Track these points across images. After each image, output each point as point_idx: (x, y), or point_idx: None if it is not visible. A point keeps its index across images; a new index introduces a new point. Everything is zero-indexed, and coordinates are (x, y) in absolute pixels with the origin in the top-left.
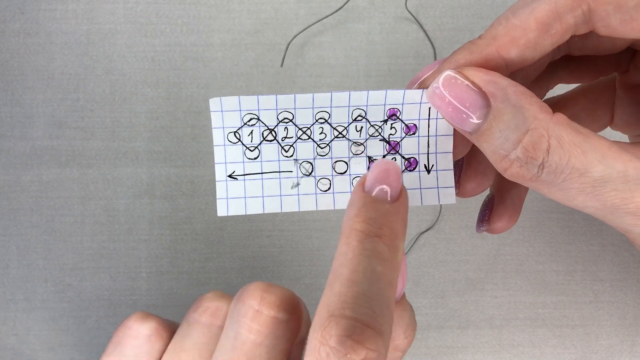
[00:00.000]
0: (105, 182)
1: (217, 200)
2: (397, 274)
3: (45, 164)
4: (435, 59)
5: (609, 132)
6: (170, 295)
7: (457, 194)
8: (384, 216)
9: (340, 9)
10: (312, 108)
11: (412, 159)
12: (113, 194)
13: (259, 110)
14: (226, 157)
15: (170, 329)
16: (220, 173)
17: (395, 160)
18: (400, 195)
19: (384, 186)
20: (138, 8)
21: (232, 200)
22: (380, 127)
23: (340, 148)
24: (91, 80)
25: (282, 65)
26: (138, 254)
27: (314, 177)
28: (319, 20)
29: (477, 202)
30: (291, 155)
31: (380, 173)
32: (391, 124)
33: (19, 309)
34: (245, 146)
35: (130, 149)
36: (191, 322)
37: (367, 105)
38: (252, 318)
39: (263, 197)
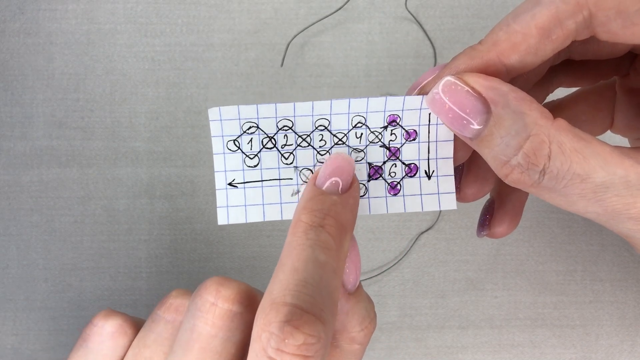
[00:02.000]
0: (105, 182)
1: (217, 209)
2: (343, 263)
3: (45, 164)
4: (435, 59)
5: (608, 136)
6: None
7: (457, 199)
8: (329, 207)
9: (340, 9)
10: (312, 115)
11: (412, 165)
12: (113, 194)
13: (258, 118)
14: (226, 165)
15: (136, 326)
16: (220, 181)
17: (396, 166)
18: (351, 186)
19: (336, 178)
20: (138, 8)
21: (232, 209)
22: (380, 133)
23: None
24: (91, 80)
25: (282, 65)
26: (138, 254)
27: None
28: (319, 20)
29: (477, 202)
30: (291, 163)
31: (332, 167)
32: (391, 130)
33: (19, 309)
34: (245, 154)
35: (130, 149)
36: (155, 319)
37: (366, 112)
38: (207, 311)
39: (263, 205)
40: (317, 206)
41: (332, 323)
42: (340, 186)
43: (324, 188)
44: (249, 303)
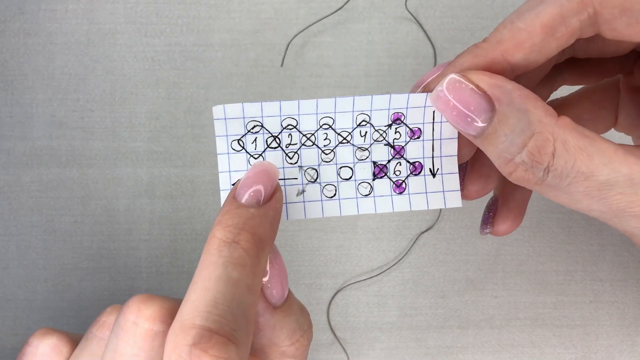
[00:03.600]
0: (105, 182)
1: None
2: (259, 278)
3: (45, 164)
4: (435, 59)
5: (611, 134)
6: (170, 295)
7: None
8: (245, 221)
9: (340, 9)
10: (316, 114)
11: (417, 163)
12: (113, 194)
13: (262, 117)
14: (230, 165)
15: (73, 343)
16: (224, 182)
17: (401, 165)
18: (272, 197)
19: (257, 187)
20: (138, 8)
21: None
22: (384, 131)
23: (344, 154)
24: (91, 80)
25: (282, 65)
26: (138, 254)
27: (319, 183)
28: (319, 20)
29: (478, 202)
30: (295, 162)
31: (253, 176)
32: (395, 129)
33: (19, 309)
34: (249, 154)
35: (130, 149)
36: (89, 337)
37: (371, 110)
38: (128, 330)
39: None
40: (233, 221)
41: (247, 343)
42: (262, 196)
43: (243, 201)
44: (172, 321)
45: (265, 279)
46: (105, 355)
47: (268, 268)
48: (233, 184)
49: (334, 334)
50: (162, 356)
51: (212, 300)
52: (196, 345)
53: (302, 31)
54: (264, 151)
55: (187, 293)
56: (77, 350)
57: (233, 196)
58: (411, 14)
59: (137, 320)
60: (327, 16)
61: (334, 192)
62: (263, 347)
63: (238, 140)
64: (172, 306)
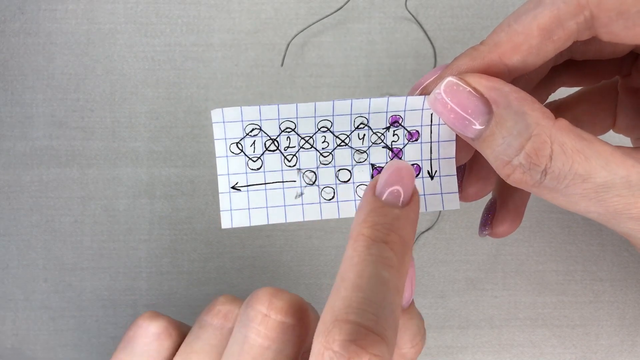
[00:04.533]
0: (105, 182)
1: (221, 213)
2: (404, 280)
3: (45, 164)
4: (435, 59)
5: (610, 135)
6: (170, 295)
7: (459, 199)
8: (392, 222)
9: (340, 9)
10: (314, 117)
11: (415, 165)
12: (113, 194)
13: (261, 120)
14: (229, 168)
15: (180, 329)
16: (223, 185)
17: None
18: (412, 199)
19: (396, 188)
20: (138, 8)
21: (235, 212)
22: (382, 134)
23: (343, 156)
24: (91, 80)
25: (282, 65)
26: (138, 254)
27: (318, 186)
28: (319, 20)
29: (478, 202)
30: (294, 165)
31: (392, 175)
32: (394, 131)
33: (19, 309)
34: (248, 157)
35: (130, 149)
36: (203, 325)
37: (369, 113)
38: (260, 322)
39: (267, 207)
40: (379, 220)
41: (394, 343)
42: (402, 197)
43: (383, 198)
44: (301, 316)
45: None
46: (232, 347)
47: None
48: (232, 187)
49: None
50: (291, 349)
51: (365, 298)
52: (353, 341)
53: (302, 31)
54: (262, 154)
55: (335, 288)
56: (190, 337)
57: (373, 193)
58: (411, 14)
59: (269, 312)
60: (327, 16)
61: (333, 195)
62: None
63: (237, 143)
64: (300, 301)
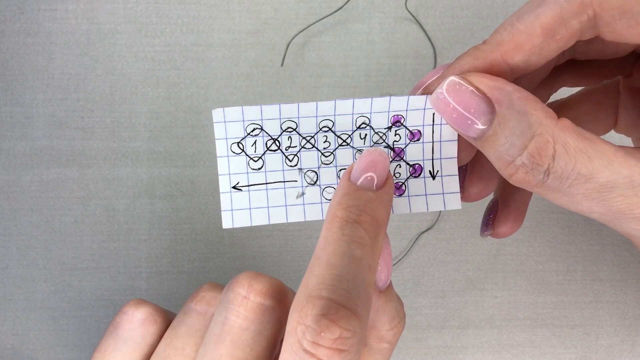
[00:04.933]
0: (105, 182)
1: (222, 213)
2: (377, 259)
3: (45, 164)
4: (435, 59)
5: (612, 135)
6: (170, 295)
7: (461, 199)
8: (365, 203)
9: (340, 9)
10: (316, 117)
11: (417, 165)
12: (113, 194)
13: (262, 120)
14: (230, 168)
15: (165, 315)
16: (224, 185)
17: (401, 167)
18: (385, 183)
19: (370, 174)
20: (138, 8)
21: (237, 212)
22: (384, 134)
23: (344, 156)
24: (91, 80)
25: (282, 65)
26: (138, 254)
27: (319, 186)
28: (319, 20)
29: (478, 202)
30: (295, 165)
31: (367, 163)
32: (395, 131)
33: (19, 309)
34: (249, 157)
35: (130, 149)
36: (187, 311)
37: (370, 113)
38: (239, 304)
39: (268, 207)
40: (353, 202)
41: (367, 319)
42: (375, 182)
43: (358, 183)
44: (281, 298)
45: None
46: (213, 328)
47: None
48: (233, 187)
49: None
50: (271, 330)
51: (337, 275)
52: (324, 315)
53: (302, 31)
54: (263, 154)
55: (309, 267)
56: (175, 323)
57: (348, 178)
58: (411, 14)
59: (248, 294)
60: (327, 16)
61: None
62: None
63: (238, 143)
64: (280, 284)
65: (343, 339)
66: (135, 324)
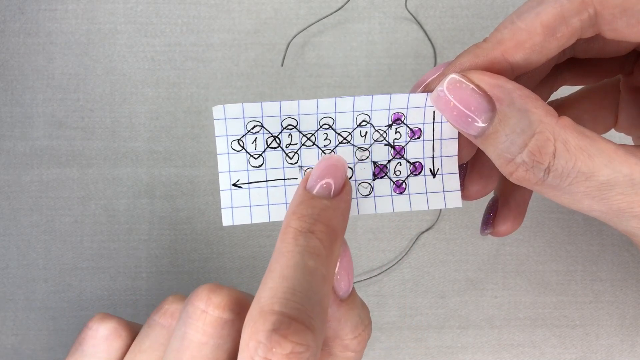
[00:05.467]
0: (105, 182)
1: (222, 210)
2: (333, 268)
3: (45, 164)
4: (435, 59)
5: (612, 134)
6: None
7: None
8: (320, 212)
9: (340, 9)
10: (316, 114)
11: (417, 163)
12: (113, 194)
13: (262, 117)
14: (230, 165)
15: (131, 329)
16: (224, 182)
17: (401, 165)
18: (342, 189)
19: (327, 181)
20: (138, 8)
21: (237, 210)
22: (384, 131)
23: (345, 154)
24: (91, 80)
25: (282, 65)
26: (138, 254)
27: None
28: (319, 20)
29: (478, 202)
30: (296, 162)
31: (323, 169)
32: (396, 129)
33: (19, 309)
34: (249, 154)
35: (130, 149)
36: (151, 324)
37: (371, 110)
38: (197, 318)
39: (268, 205)
40: (307, 211)
41: (322, 331)
42: (332, 189)
43: (314, 192)
44: (240, 310)
45: (335, 271)
46: (173, 343)
47: (338, 261)
48: (233, 184)
49: None
50: (231, 344)
51: (290, 288)
52: (276, 330)
53: (302, 31)
54: (264, 151)
55: (263, 280)
56: (140, 337)
57: (305, 187)
58: (411, 14)
59: (207, 308)
60: (327, 16)
61: None
62: (327, 340)
63: (238, 140)
64: (240, 296)
65: (295, 354)
66: (99, 340)
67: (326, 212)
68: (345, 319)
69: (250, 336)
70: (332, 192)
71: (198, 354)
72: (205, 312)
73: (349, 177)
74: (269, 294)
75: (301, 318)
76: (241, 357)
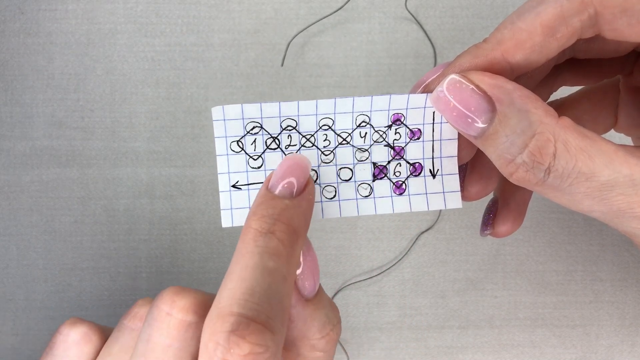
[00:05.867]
0: (105, 182)
1: (221, 211)
2: (294, 268)
3: (45, 164)
4: (435, 59)
5: (611, 134)
6: None
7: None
8: (280, 212)
9: (340, 9)
10: (316, 115)
11: (417, 164)
12: (113, 194)
13: (262, 118)
14: (229, 166)
15: (102, 333)
16: (223, 183)
17: (401, 165)
18: (305, 188)
19: (289, 180)
20: (138, 8)
21: (236, 211)
22: (384, 132)
23: (344, 155)
24: (91, 80)
25: (282, 65)
26: (138, 254)
27: (319, 184)
28: (319, 20)
29: (478, 202)
30: None
31: (286, 169)
32: (395, 129)
33: (19, 309)
34: (249, 155)
35: (130, 149)
36: (120, 328)
37: (371, 111)
38: (162, 320)
39: None
40: (268, 211)
41: (282, 331)
42: (295, 188)
43: (276, 192)
44: (204, 313)
45: (298, 271)
46: (138, 346)
47: (301, 260)
48: (232, 185)
49: None
50: (195, 347)
51: (249, 289)
52: (234, 332)
53: (302, 31)
54: (263, 152)
55: (223, 282)
56: (109, 341)
57: (267, 187)
58: (411, 14)
59: (171, 311)
60: (327, 16)
61: (334, 194)
62: (294, 340)
63: (237, 141)
64: (205, 298)
65: (254, 355)
66: (70, 344)
67: (287, 212)
68: (311, 319)
69: (209, 337)
70: (294, 192)
71: (163, 356)
72: (169, 315)
73: (314, 181)
74: (227, 295)
75: (260, 319)
76: (201, 359)
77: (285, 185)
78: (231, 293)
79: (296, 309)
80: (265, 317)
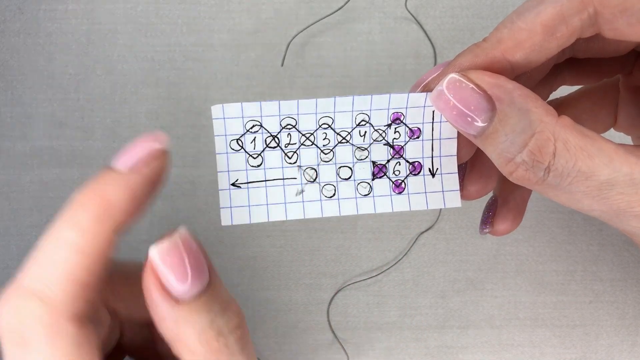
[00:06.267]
0: None
1: (221, 210)
2: (98, 241)
3: (45, 164)
4: (435, 59)
5: (611, 133)
6: None
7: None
8: (99, 185)
9: (340, 9)
10: (316, 113)
11: (416, 163)
12: None
13: (261, 116)
14: (229, 165)
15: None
16: (223, 182)
17: (400, 164)
18: (144, 165)
19: (130, 154)
20: (138, 8)
21: (235, 209)
22: (384, 131)
23: (344, 153)
24: (91, 80)
25: (282, 65)
26: (138, 254)
27: (319, 183)
28: (319, 20)
29: (478, 202)
30: (295, 162)
31: (132, 146)
32: (395, 128)
33: None
34: (248, 154)
35: None
36: None
37: (370, 110)
38: None
39: (267, 205)
40: (91, 184)
41: (66, 300)
42: (131, 162)
43: (114, 165)
44: None
45: (160, 263)
46: None
47: (166, 252)
48: (232, 184)
49: (334, 334)
50: None
51: (33, 257)
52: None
53: (302, 31)
54: (262, 151)
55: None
56: None
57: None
58: (411, 14)
59: None
60: (327, 16)
61: (333, 192)
62: (171, 340)
63: (237, 139)
64: None
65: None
66: None
67: (105, 184)
68: (187, 323)
69: None
70: (129, 165)
71: None
72: None
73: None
74: (25, 266)
75: (26, 284)
76: None
77: (122, 159)
78: (26, 264)
79: (161, 306)
80: (42, 286)
